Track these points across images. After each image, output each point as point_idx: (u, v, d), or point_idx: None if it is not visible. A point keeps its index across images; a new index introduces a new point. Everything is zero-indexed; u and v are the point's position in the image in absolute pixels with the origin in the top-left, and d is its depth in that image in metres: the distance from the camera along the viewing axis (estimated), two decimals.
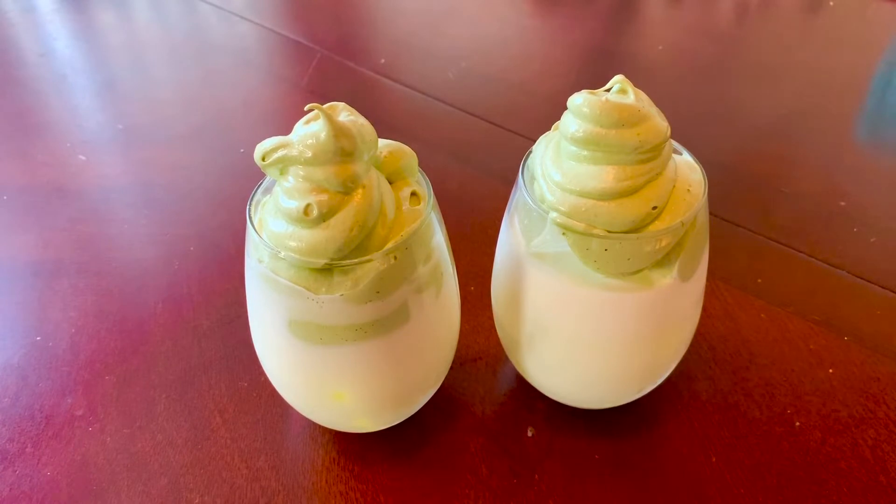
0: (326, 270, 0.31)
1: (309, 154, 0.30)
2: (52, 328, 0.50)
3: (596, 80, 0.36)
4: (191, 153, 0.69)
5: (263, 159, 0.31)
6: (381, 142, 0.34)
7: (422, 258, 0.34)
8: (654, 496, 0.39)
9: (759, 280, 0.53)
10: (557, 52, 0.90)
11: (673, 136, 0.34)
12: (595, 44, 0.92)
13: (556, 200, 0.33)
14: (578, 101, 0.32)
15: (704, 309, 0.41)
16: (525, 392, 0.45)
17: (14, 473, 0.41)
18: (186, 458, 0.41)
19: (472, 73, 0.82)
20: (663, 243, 0.33)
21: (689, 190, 0.33)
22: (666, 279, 0.34)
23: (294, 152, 0.30)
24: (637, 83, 0.33)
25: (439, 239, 0.35)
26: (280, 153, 0.31)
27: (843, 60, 0.84)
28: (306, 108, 0.31)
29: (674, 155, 0.35)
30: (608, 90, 0.34)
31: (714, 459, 0.41)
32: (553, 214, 0.33)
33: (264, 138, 0.32)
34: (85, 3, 1.01)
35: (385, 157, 0.34)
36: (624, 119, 0.31)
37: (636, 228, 0.32)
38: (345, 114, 0.32)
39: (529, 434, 0.42)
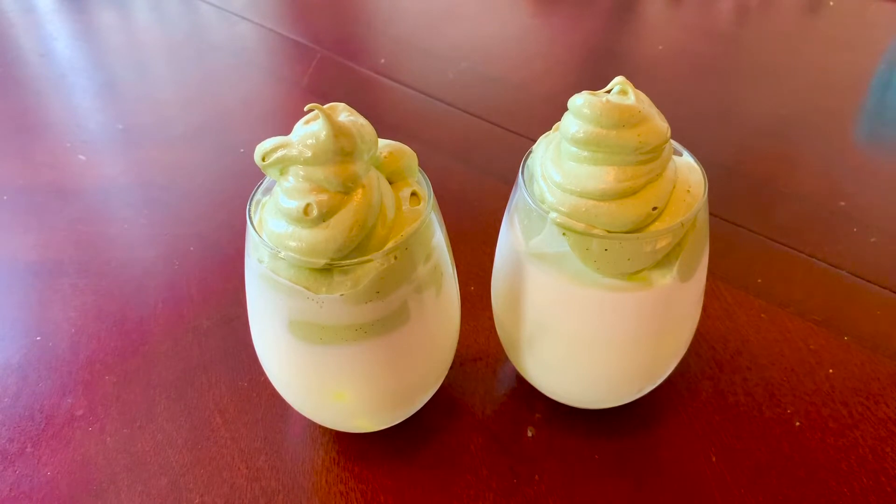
0: (326, 270, 0.31)
1: (309, 154, 0.30)
2: (52, 328, 0.50)
3: (596, 80, 0.36)
4: (191, 153, 0.69)
5: (263, 159, 0.31)
6: (381, 142, 0.34)
7: (422, 258, 0.34)
8: (654, 496, 0.39)
9: (759, 280, 0.53)
10: (557, 52, 0.90)
11: (673, 137, 0.34)
12: (595, 44, 0.92)
13: (557, 201, 0.33)
14: (579, 101, 0.32)
15: (704, 309, 0.41)
16: (525, 392, 0.45)
17: (14, 473, 0.41)
18: (186, 458, 0.41)
19: (472, 73, 0.82)
20: (663, 243, 0.33)
21: (689, 190, 0.33)
22: (666, 279, 0.34)
23: (294, 152, 0.30)
24: (637, 83, 0.33)
25: (439, 239, 0.35)
26: (280, 153, 0.31)
27: (843, 60, 0.84)
28: (306, 108, 0.31)
29: (674, 156, 0.35)
30: (609, 91, 0.34)
31: (714, 459, 0.41)
32: (553, 215, 0.33)
33: (264, 138, 0.32)
34: (85, 3, 1.01)
35: (385, 157, 0.34)
36: (624, 120, 0.31)
37: (636, 229, 0.32)
38: (345, 114, 0.32)
39: (529, 434, 0.42)
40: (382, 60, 0.85)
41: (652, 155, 0.32)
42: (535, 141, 0.37)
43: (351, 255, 0.31)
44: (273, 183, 0.33)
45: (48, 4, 1.00)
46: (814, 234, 0.57)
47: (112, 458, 0.41)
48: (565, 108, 0.33)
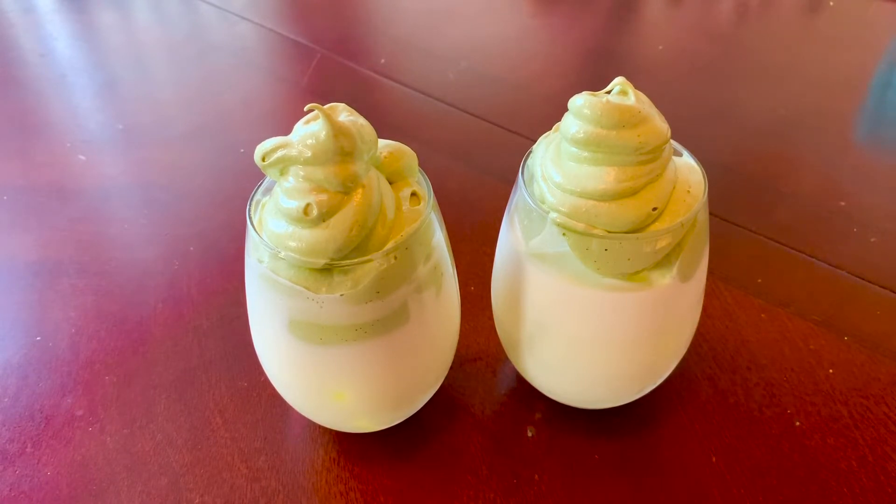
0: (326, 270, 0.31)
1: (309, 154, 0.30)
2: (52, 328, 0.50)
3: (596, 81, 0.36)
4: (191, 153, 0.69)
5: (263, 160, 0.31)
6: (381, 142, 0.34)
7: (422, 258, 0.34)
8: (654, 496, 0.39)
9: (759, 280, 0.53)
10: (557, 52, 0.90)
11: (673, 137, 0.34)
12: (595, 44, 0.92)
13: (557, 201, 0.33)
14: (579, 102, 0.32)
15: (704, 309, 0.41)
16: (525, 392, 0.45)
17: (14, 473, 0.41)
18: (186, 458, 0.41)
19: (472, 73, 0.82)
20: (663, 244, 0.33)
21: (689, 191, 0.33)
22: (666, 279, 0.34)
23: (294, 152, 0.30)
24: (637, 83, 0.33)
25: (439, 239, 0.35)
26: (280, 153, 0.31)
27: (843, 60, 0.84)
28: (306, 108, 0.31)
29: (674, 156, 0.35)
30: (609, 91, 0.34)
31: (714, 459, 0.41)
32: (553, 215, 0.33)
33: (264, 138, 0.32)
34: (85, 3, 1.01)
35: (385, 157, 0.34)
36: (625, 120, 0.31)
37: (636, 229, 0.32)
38: (345, 114, 0.32)
39: (529, 434, 0.42)
40: (382, 60, 0.85)
41: (652, 155, 0.32)
42: (535, 141, 0.37)
43: (351, 255, 0.31)
44: (273, 183, 0.33)
45: (48, 4, 1.00)
46: (814, 234, 0.57)
47: (112, 458, 0.41)
48: (565, 108, 0.33)
